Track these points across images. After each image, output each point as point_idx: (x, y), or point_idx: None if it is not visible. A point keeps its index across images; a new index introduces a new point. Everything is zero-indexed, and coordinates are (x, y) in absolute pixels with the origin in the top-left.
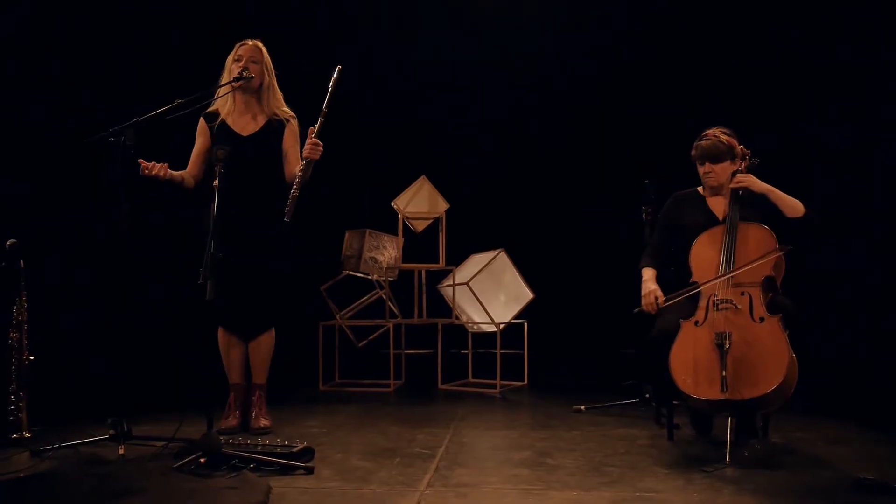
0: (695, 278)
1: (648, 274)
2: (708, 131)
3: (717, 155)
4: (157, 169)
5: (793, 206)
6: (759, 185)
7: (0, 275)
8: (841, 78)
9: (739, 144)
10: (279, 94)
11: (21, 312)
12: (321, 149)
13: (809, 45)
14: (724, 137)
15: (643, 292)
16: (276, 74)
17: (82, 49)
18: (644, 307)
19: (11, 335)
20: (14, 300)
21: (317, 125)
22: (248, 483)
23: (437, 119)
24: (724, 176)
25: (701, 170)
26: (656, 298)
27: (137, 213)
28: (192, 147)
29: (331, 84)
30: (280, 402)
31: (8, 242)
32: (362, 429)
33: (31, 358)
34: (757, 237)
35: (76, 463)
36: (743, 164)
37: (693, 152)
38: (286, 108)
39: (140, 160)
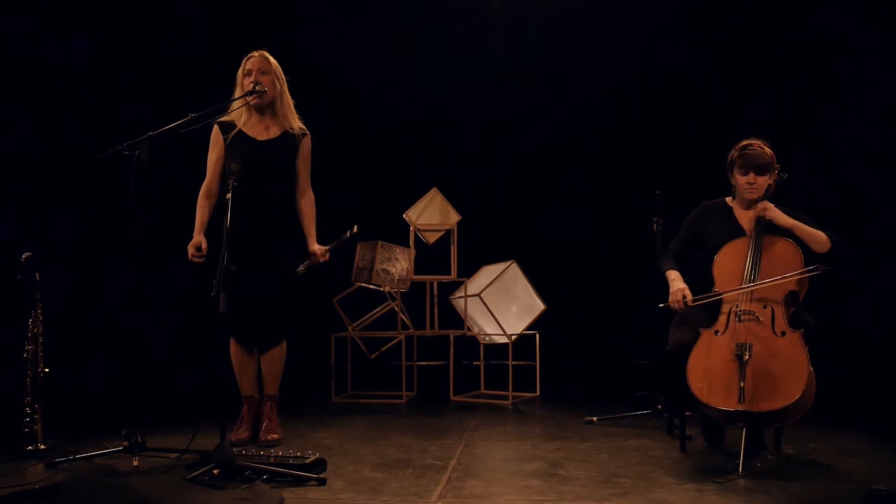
0: (717, 288)
1: (675, 274)
2: (750, 141)
3: (764, 166)
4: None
5: (818, 240)
6: (783, 219)
7: (15, 288)
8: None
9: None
10: (291, 102)
11: (36, 325)
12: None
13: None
14: (768, 149)
15: (672, 290)
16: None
17: (92, 65)
18: (671, 303)
19: (27, 348)
20: (29, 313)
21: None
22: (261, 494)
23: (449, 131)
24: (764, 189)
25: (743, 179)
26: (684, 297)
27: (151, 224)
28: (201, 156)
29: (343, 236)
30: (293, 413)
31: (23, 255)
32: (374, 440)
33: (46, 370)
34: (783, 251)
35: (91, 474)
36: (772, 178)
37: (738, 160)
38: (299, 122)
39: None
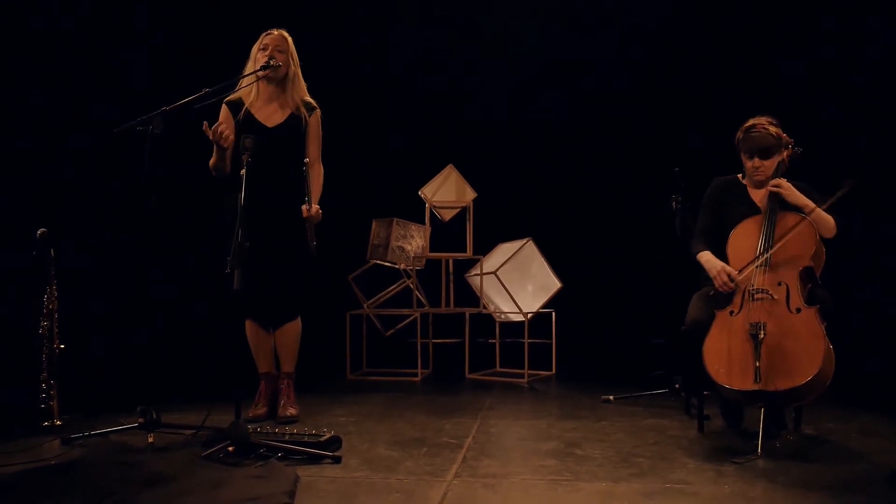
0: (732, 266)
1: (707, 255)
2: (755, 122)
3: (768, 149)
4: (218, 135)
5: (826, 225)
6: (795, 198)
7: (31, 264)
8: None
9: (783, 133)
10: (303, 84)
11: (51, 301)
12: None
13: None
14: (773, 129)
15: (712, 273)
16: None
17: (107, 41)
18: (719, 287)
19: (42, 324)
20: (44, 289)
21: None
22: (276, 472)
23: (465, 107)
24: (772, 170)
25: (749, 164)
26: (728, 274)
27: (166, 201)
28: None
29: None
30: (308, 391)
31: (38, 232)
32: (389, 418)
33: (62, 346)
34: (796, 226)
35: (106, 451)
36: (786, 153)
37: (742, 144)
38: (309, 98)
39: (204, 122)
